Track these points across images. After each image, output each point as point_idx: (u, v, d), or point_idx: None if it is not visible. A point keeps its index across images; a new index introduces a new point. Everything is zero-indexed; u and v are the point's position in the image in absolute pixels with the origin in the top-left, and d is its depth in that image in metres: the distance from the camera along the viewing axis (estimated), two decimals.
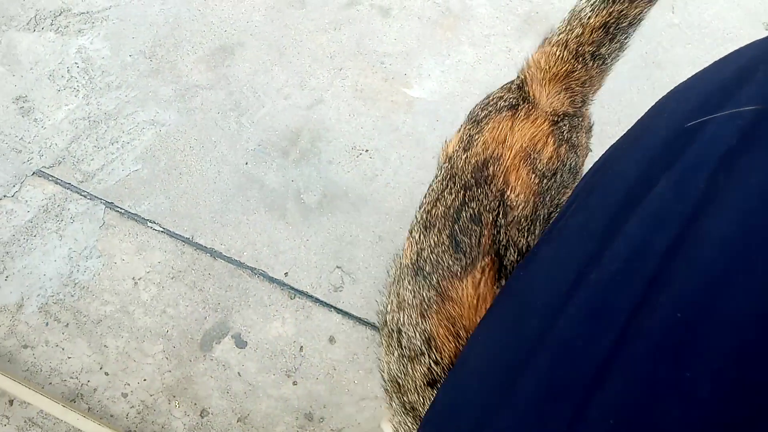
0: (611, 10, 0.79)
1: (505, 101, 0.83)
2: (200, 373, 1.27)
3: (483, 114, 0.83)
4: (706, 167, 0.39)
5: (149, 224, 1.36)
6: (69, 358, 1.28)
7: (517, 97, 0.84)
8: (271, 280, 1.34)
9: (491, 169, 0.75)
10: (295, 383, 1.28)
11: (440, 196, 0.78)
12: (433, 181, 0.86)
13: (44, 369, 1.27)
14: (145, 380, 1.27)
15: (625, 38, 0.84)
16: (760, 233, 0.32)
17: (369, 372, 1.29)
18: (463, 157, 0.78)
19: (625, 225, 0.41)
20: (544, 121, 0.79)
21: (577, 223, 0.50)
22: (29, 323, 1.30)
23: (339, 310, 1.33)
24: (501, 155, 0.76)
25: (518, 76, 0.88)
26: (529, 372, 0.38)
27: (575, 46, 0.82)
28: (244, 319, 1.32)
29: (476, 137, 0.80)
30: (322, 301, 1.33)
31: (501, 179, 0.74)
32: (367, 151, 1.44)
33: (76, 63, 1.48)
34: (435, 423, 0.51)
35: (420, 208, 0.84)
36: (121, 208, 1.37)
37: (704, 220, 0.36)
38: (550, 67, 0.83)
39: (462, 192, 0.75)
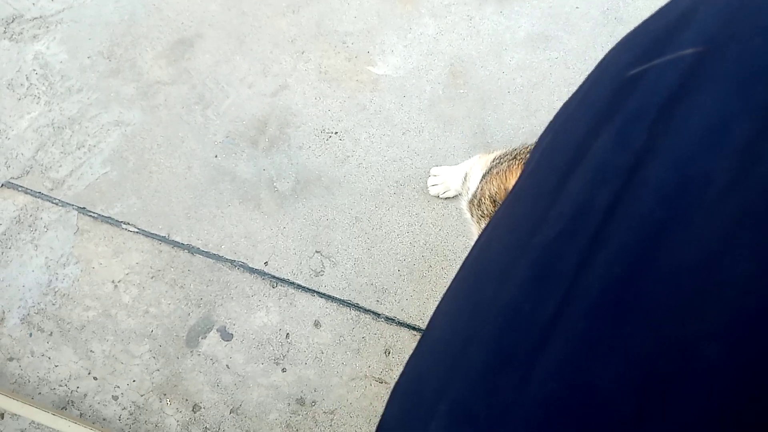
0: None
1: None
2: (189, 369, 1.28)
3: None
4: (646, 116, 0.38)
5: (124, 226, 1.35)
6: (56, 366, 1.28)
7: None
8: (252, 270, 1.34)
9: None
10: (284, 370, 1.28)
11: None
12: None
13: (32, 379, 1.27)
14: (134, 381, 1.27)
15: None
16: (697, 179, 0.32)
17: (356, 352, 1.29)
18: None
19: (569, 183, 0.40)
20: None
21: (530, 185, 0.50)
22: (12, 335, 1.29)
23: (322, 294, 1.33)
24: None
25: None
26: (480, 339, 0.38)
27: None
28: (227, 312, 1.32)
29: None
30: (304, 287, 1.33)
31: None
32: (336, 133, 1.43)
33: (34, 70, 1.45)
34: (402, 392, 0.51)
35: None
36: (93, 213, 1.36)
37: (643, 170, 0.36)
38: None
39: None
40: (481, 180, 0.99)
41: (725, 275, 0.27)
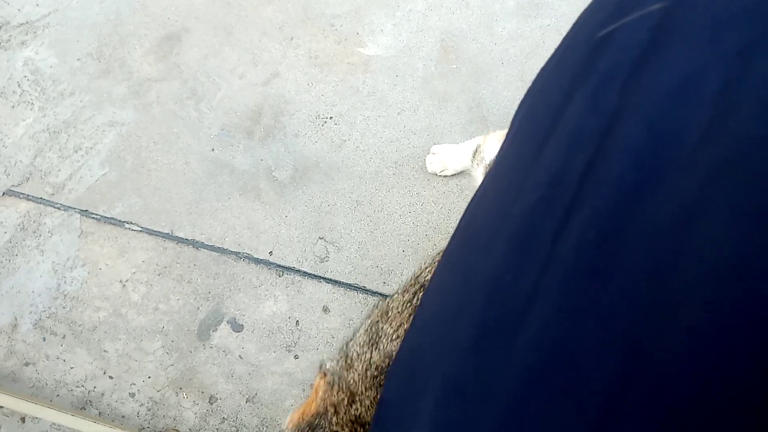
0: None
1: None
2: (202, 362, 1.29)
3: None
4: (618, 76, 0.38)
5: (127, 225, 1.36)
6: (71, 368, 1.30)
7: None
8: (257, 261, 1.34)
9: None
10: (296, 357, 1.29)
11: None
12: None
13: (49, 383, 1.29)
14: (149, 377, 1.28)
15: None
16: (669, 137, 0.31)
17: None
18: None
19: (545, 150, 0.40)
20: None
21: (511, 153, 0.50)
22: (27, 341, 1.31)
23: (328, 280, 1.33)
24: None
25: None
26: (468, 313, 0.38)
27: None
28: (236, 304, 1.32)
29: None
30: (310, 274, 1.34)
31: None
32: (331, 118, 1.42)
33: (25, 76, 1.45)
34: (400, 369, 0.51)
35: None
36: (96, 215, 1.36)
37: (615, 132, 0.35)
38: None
39: None
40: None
41: (702, 232, 0.26)
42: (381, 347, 0.75)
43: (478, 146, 1.07)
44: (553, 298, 0.32)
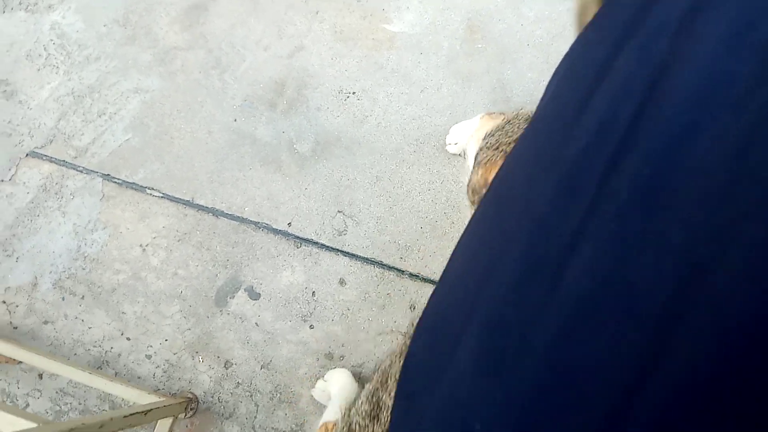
0: None
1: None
2: (219, 327, 1.31)
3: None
4: (668, 28, 0.38)
5: (148, 191, 1.37)
6: (90, 328, 1.31)
7: None
8: (276, 231, 1.36)
9: None
10: (311, 327, 1.31)
11: None
12: None
13: (67, 341, 1.31)
14: (166, 340, 1.30)
15: None
16: (722, 80, 0.32)
17: (382, 308, 1.31)
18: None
19: (592, 100, 0.40)
20: None
21: (550, 112, 0.50)
22: (46, 300, 1.32)
23: (345, 253, 1.34)
24: None
25: None
26: (508, 258, 0.38)
27: None
28: (254, 272, 1.34)
29: None
30: (328, 246, 1.35)
31: None
32: (354, 93, 1.43)
33: (51, 40, 1.46)
34: (427, 325, 0.52)
35: None
36: (118, 179, 1.38)
37: (668, 79, 0.36)
38: None
39: None
40: (474, 164, 0.93)
41: (755, 162, 0.27)
42: (382, 419, 0.74)
43: (464, 151, 1.06)
44: (606, 230, 0.32)
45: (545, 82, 1.44)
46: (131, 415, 0.99)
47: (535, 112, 0.58)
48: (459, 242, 0.55)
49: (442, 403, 0.36)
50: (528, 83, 1.39)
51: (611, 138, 0.36)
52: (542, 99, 0.56)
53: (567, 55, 0.56)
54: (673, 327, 0.27)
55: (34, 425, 0.79)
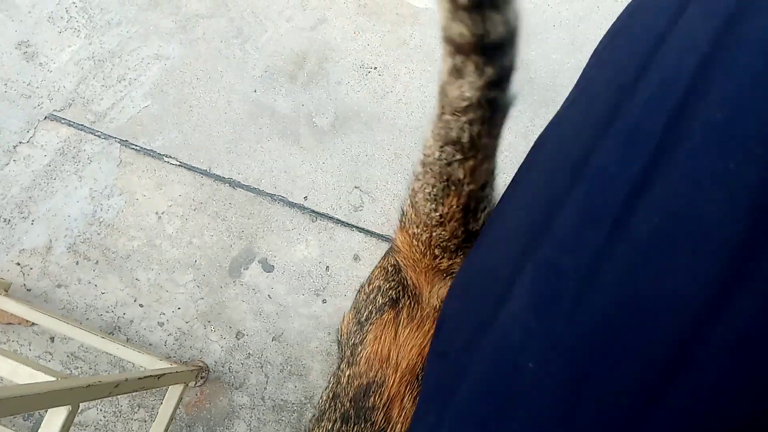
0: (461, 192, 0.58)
1: (384, 296, 0.68)
2: (232, 298, 1.30)
3: (365, 313, 0.69)
4: None
5: (166, 159, 1.37)
6: (103, 293, 1.31)
7: (396, 287, 0.68)
8: (292, 204, 1.35)
9: (372, 399, 0.63)
10: (324, 301, 1.30)
11: (322, 418, 0.67)
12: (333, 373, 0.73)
13: (80, 306, 1.31)
14: (179, 309, 1.30)
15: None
16: None
17: None
18: (346, 375, 0.66)
19: (656, 55, 0.40)
20: (433, 322, 0.63)
21: (603, 73, 0.49)
22: (60, 263, 1.32)
23: (361, 229, 1.34)
24: (384, 380, 0.63)
25: (392, 256, 0.72)
26: (564, 207, 0.38)
27: (434, 241, 0.62)
28: (268, 245, 1.33)
29: (359, 349, 0.66)
30: (343, 222, 1.34)
31: (382, 414, 0.62)
32: (375, 68, 1.41)
33: (74, 2, 1.45)
34: (465, 282, 0.51)
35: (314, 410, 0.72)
36: (136, 146, 1.37)
37: (738, 28, 0.35)
38: (417, 258, 0.65)
39: (340, 424, 0.64)
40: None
41: None
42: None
43: None
44: (678, 170, 0.32)
45: (570, 64, 1.42)
46: (145, 377, 0.99)
47: (581, 78, 0.57)
48: (495, 210, 0.54)
49: (492, 348, 0.35)
50: (552, 64, 1.38)
51: (676, 87, 0.36)
52: (588, 65, 0.55)
53: (618, 18, 0.55)
54: (748, 260, 0.27)
55: (52, 379, 0.79)
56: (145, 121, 1.38)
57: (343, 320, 0.75)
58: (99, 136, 1.37)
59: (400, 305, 0.67)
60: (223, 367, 1.27)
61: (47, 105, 1.39)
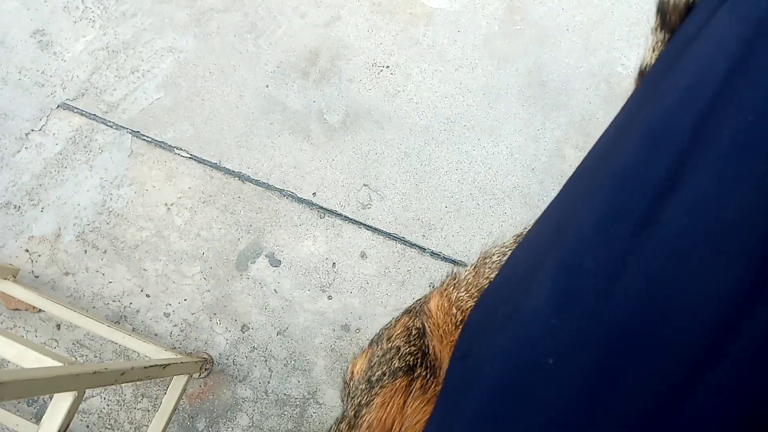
0: None
1: (401, 360, 0.66)
2: (238, 291, 1.31)
3: (378, 373, 0.66)
4: None
5: (176, 151, 1.37)
6: (110, 282, 1.32)
7: (416, 353, 0.66)
8: (300, 200, 1.35)
9: None
10: (330, 297, 1.30)
11: None
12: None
13: (87, 294, 1.32)
14: (185, 300, 1.31)
15: None
16: None
17: (401, 284, 1.31)
18: None
19: (683, 59, 0.40)
20: None
21: (641, 88, 0.50)
22: (68, 251, 1.33)
23: (368, 227, 1.34)
24: None
25: (420, 318, 0.70)
26: (587, 207, 0.38)
27: None
28: (276, 239, 1.34)
29: (363, 412, 0.63)
30: (351, 219, 1.34)
31: None
32: (387, 67, 1.42)
33: None
34: (487, 295, 0.50)
35: None
36: (147, 137, 1.38)
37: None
38: (448, 330, 0.63)
39: None
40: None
41: None
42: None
43: None
44: (706, 172, 0.32)
45: (582, 68, 1.42)
46: (150, 366, 1.00)
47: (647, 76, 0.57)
48: (535, 222, 0.54)
49: (510, 345, 0.35)
50: (564, 69, 1.37)
51: (704, 91, 0.36)
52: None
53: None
54: None
55: (59, 364, 0.80)
56: (157, 112, 1.39)
57: (354, 363, 0.72)
58: (111, 126, 1.38)
59: (416, 374, 0.64)
60: (227, 359, 1.28)
61: (60, 94, 1.40)
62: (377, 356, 0.69)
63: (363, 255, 1.33)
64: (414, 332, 0.68)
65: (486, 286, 0.61)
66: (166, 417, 1.14)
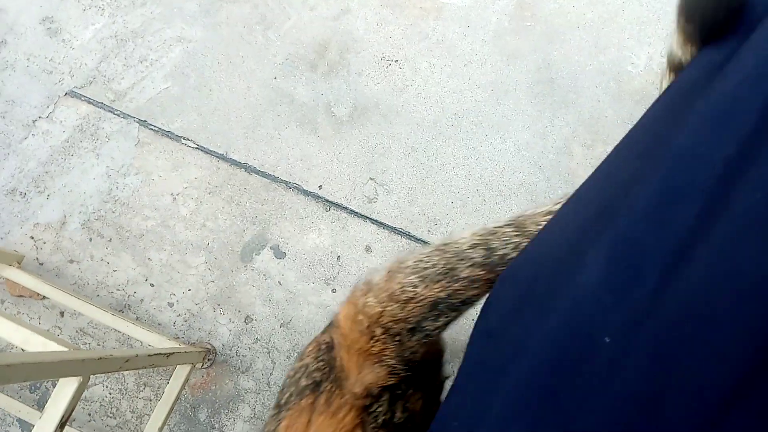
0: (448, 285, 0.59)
1: (308, 377, 0.64)
2: (242, 282, 1.31)
3: (285, 396, 0.65)
4: None
5: (183, 141, 1.37)
6: (114, 271, 1.32)
7: (324, 368, 0.64)
8: (306, 193, 1.35)
9: None
10: (334, 290, 1.30)
11: None
12: None
13: (91, 282, 1.32)
14: (189, 290, 1.30)
15: (458, 315, 0.62)
16: None
17: None
18: None
19: (752, 38, 0.39)
20: (350, 410, 0.59)
21: (693, 66, 0.48)
22: (73, 239, 1.33)
23: (374, 221, 1.34)
24: None
25: (329, 331, 0.69)
26: (642, 185, 0.36)
27: (387, 321, 0.60)
28: (281, 231, 1.33)
29: None
30: (357, 212, 1.34)
31: None
32: (396, 61, 1.41)
33: None
34: (518, 274, 0.49)
35: None
36: (154, 126, 1.38)
37: None
38: (354, 338, 0.61)
39: None
40: None
41: None
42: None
43: None
44: None
45: (592, 66, 1.41)
46: (154, 355, 1.00)
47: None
48: (565, 204, 0.52)
49: (559, 321, 0.34)
50: (574, 66, 1.37)
51: None
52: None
53: None
54: None
55: (64, 349, 0.80)
56: (164, 102, 1.39)
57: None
58: (118, 115, 1.38)
59: (321, 389, 0.62)
60: (230, 350, 1.28)
61: (68, 81, 1.40)
62: (288, 377, 0.68)
63: (368, 249, 1.33)
64: (323, 347, 0.67)
65: (397, 290, 0.61)
66: (168, 406, 1.14)
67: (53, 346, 0.81)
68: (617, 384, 0.29)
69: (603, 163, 0.47)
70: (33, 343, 0.81)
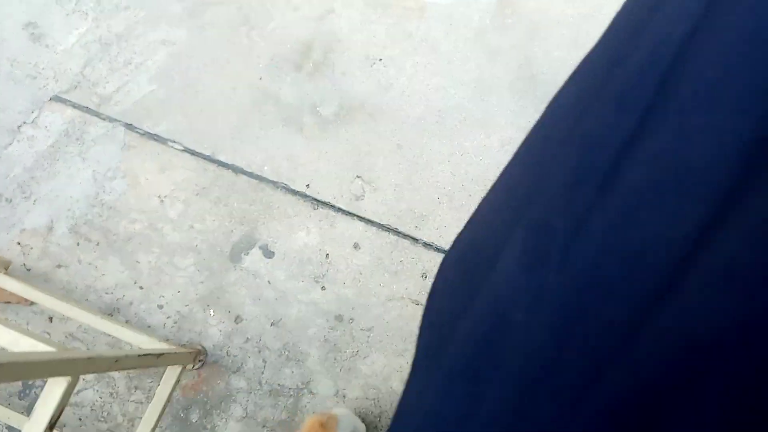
0: None
1: None
2: (231, 282, 1.31)
3: None
4: None
5: (170, 143, 1.37)
6: (103, 275, 1.32)
7: None
8: (294, 192, 1.36)
9: None
10: (323, 288, 1.31)
11: None
12: None
13: (80, 286, 1.31)
14: (179, 292, 1.31)
15: None
16: None
17: (394, 275, 1.32)
18: None
19: (648, 25, 0.41)
20: None
21: (599, 51, 0.51)
22: (61, 244, 1.33)
23: (362, 218, 1.35)
24: None
25: None
26: (553, 172, 0.39)
27: None
28: (269, 231, 1.34)
29: None
30: (344, 210, 1.35)
31: None
32: (380, 60, 1.43)
33: None
34: (460, 250, 0.51)
35: None
36: (140, 129, 1.38)
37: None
38: None
39: None
40: None
41: None
42: None
43: None
44: (668, 125, 0.33)
45: (572, 62, 1.43)
46: (145, 355, 1.00)
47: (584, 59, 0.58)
48: (492, 186, 0.55)
49: (481, 307, 0.36)
50: (554, 62, 1.39)
51: (666, 52, 0.37)
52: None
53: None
54: (736, 200, 0.28)
55: (53, 350, 0.80)
56: (150, 105, 1.39)
57: None
58: (104, 119, 1.38)
59: None
60: (221, 350, 1.28)
61: (53, 86, 1.40)
62: None
63: (356, 246, 1.33)
64: None
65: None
66: (159, 408, 1.14)
67: (42, 347, 0.81)
68: (525, 348, 0.32)
69: (529, 146, 0.49)
70: (22, 344, 0.81)
